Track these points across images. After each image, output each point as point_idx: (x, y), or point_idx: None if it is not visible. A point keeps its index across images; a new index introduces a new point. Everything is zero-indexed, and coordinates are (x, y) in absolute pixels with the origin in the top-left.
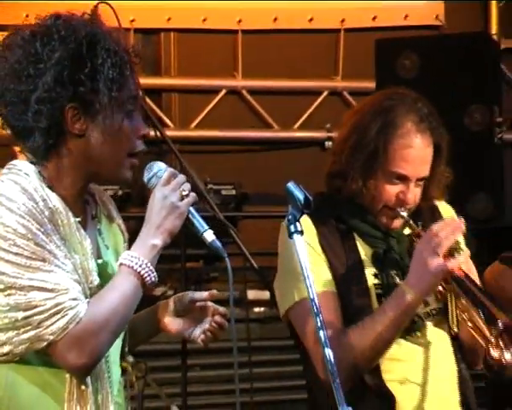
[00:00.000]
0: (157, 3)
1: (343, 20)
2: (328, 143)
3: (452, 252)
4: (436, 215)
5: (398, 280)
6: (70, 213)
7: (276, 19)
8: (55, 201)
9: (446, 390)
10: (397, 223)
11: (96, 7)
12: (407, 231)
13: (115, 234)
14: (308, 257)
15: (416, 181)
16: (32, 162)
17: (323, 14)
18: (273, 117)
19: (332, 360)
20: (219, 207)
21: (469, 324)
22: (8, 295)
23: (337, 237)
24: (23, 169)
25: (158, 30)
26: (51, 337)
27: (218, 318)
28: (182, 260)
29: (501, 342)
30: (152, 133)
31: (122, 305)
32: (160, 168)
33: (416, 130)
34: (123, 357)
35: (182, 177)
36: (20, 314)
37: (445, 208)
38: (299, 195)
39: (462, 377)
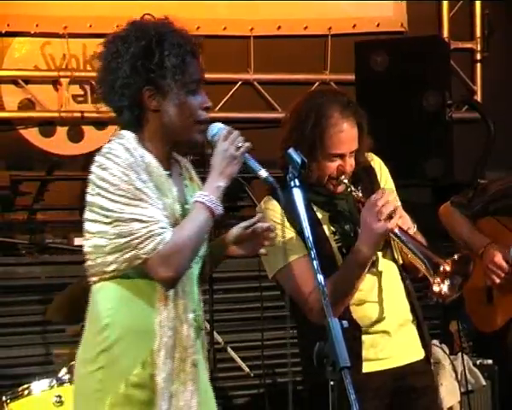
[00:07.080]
0: (188, 16)
1: (330, 28)
2: None
3: (390, 214)
4: (370, 174)
5: (349, 230)
6: (161, 168)
7: (279, 27)
8: (149, 158)
9: (399, 302)
10: (341, 189)
11: (142, 17)
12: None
13: (195, 190)
14: (281, 234)
15: (350, 154)
16: (130, 131)
17: (315, 23)
18: (277, 102)
19: (323, 282)
20: None
21: (409, 256)
22: (115, 226)
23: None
24: (126, 135)
25: None
26: (145, 256)
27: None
28: None
29: (438, 279)
30: None
31: (197, 231)
32: (219, 128)
33: (342, 117)
34: (201, 280)
35: (236, 132)
36: (123, 240)
37: (376, 161)
38: (297, 158)
39: (408, 289)
